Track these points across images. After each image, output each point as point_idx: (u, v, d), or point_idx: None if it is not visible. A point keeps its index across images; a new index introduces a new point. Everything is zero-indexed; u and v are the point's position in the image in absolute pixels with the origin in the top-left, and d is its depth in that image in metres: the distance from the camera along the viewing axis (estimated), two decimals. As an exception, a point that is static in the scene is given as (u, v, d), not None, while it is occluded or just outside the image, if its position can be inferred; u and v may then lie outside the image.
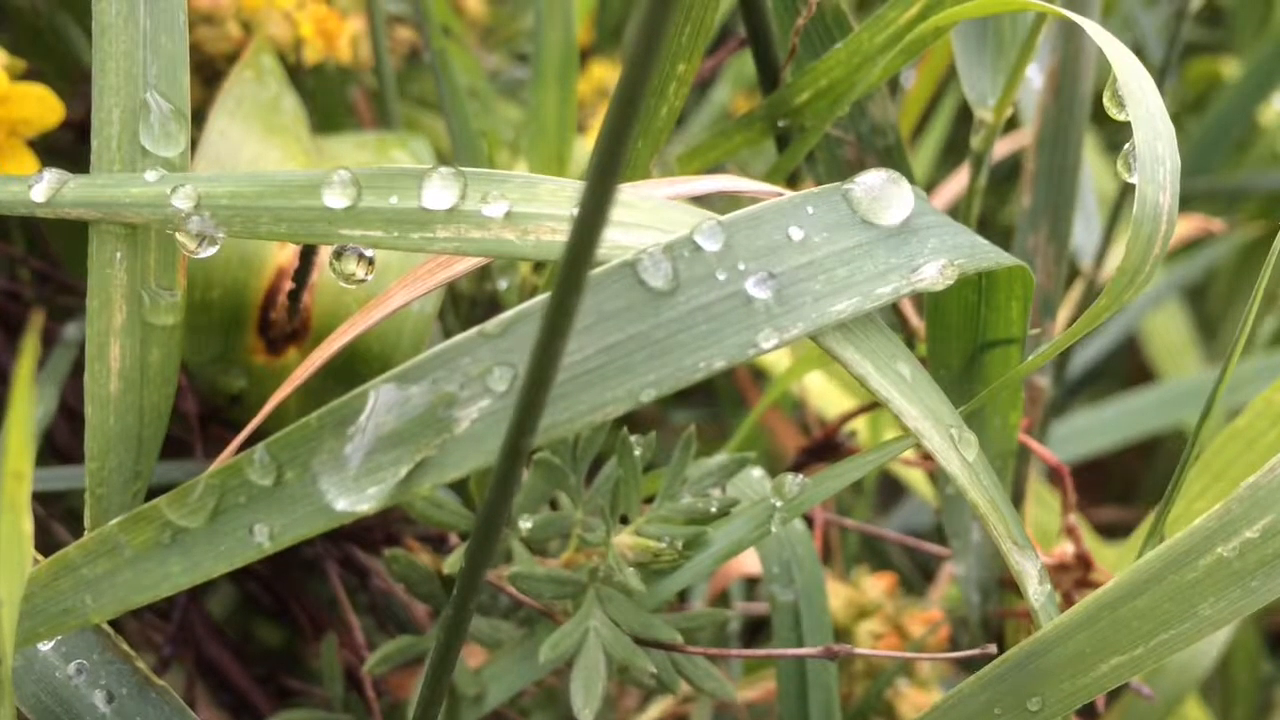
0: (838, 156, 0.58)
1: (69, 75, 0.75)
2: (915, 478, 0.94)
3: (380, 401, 0.36)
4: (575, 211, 0.36)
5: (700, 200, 0.47)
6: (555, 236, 0.39)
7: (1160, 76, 0.78)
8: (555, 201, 0.39)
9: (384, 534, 0.72)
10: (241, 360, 0.61)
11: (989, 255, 0.42)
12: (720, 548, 0.51)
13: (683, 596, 0.76)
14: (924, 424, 0.39)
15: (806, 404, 0.97)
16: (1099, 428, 1.13)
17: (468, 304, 0.80)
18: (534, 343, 0.31)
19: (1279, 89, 1.23)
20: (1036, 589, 0.42)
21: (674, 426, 1.07)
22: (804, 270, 0.38)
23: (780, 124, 0.53)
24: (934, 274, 0.39)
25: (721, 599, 0.85)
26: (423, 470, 0.36)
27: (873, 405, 0.70)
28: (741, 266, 0.37)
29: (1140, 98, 0.39)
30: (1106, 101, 0.40)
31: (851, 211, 0.39)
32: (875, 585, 0.74)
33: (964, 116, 1.09)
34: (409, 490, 0.36)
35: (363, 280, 0.43)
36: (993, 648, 0.49)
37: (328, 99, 0.80)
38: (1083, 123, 0.62)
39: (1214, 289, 1.40)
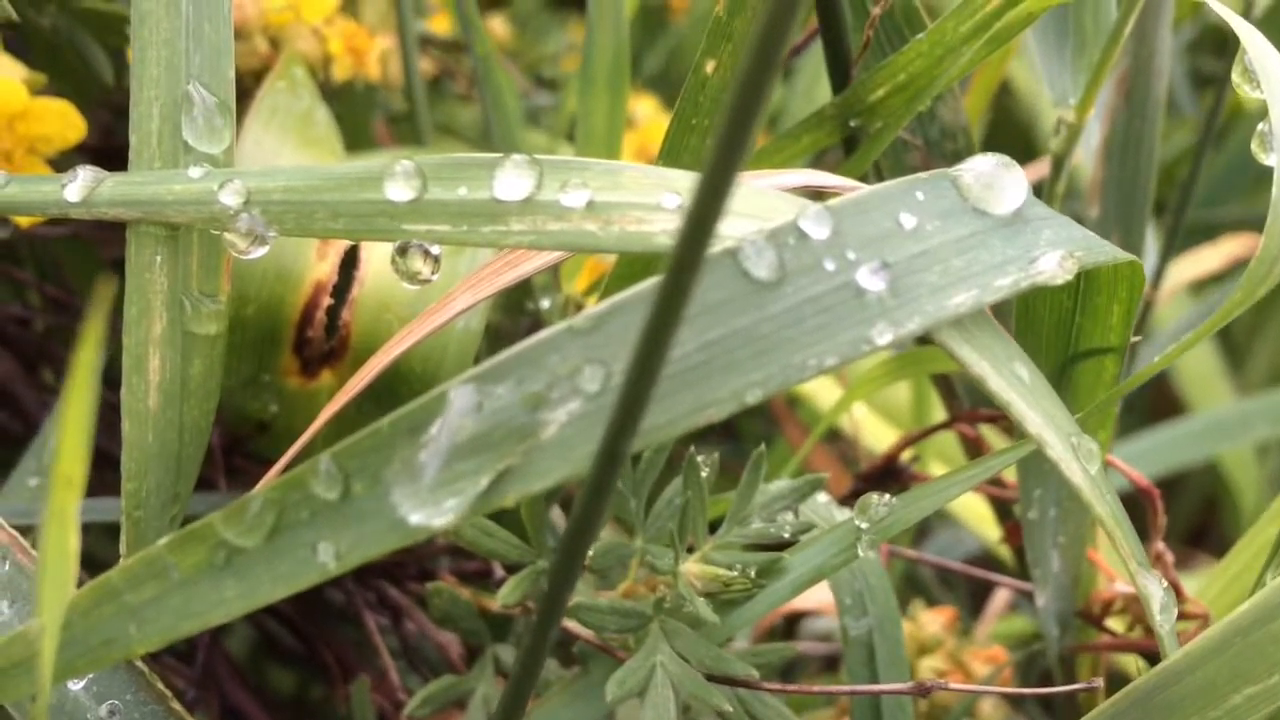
0: (904, 162, 0.55)
1: (89, 97, 0.72)
2: (960, 505, 0.90)
3: (458, 404, 0.32)
4: (683, 198, 0.33)
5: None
6: (642, 227, 0.36)
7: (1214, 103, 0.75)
8: (641, 190, 0.36)
9: (418, 569, 0.68)
10: (274, 383, 0.58)
11: (1105, 250, 0.39)
12: (799, 575, 0.47)
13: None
14: (1046, 431, 0.36)
15: (844, 435, 0.93)
16: (1129, 461, 1.10)
17: (491, 335, 0.77)
18: (640, 333, 0.28)
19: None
20: (1161, 615, 0.39)
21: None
22: (919, 260, 0.34)
23: (852, 124, 0.50)
24: (1053, 266, 0.36)
25: (765, 639, 0.81)
26: (506, 480, 0.32)
27: (931, 431, 0.67)
28: (851, 256, 0.34)
29: (1275, 74, 0.36)
30: (1236, 78, 0.37)
31: (961, 199, 0.36)
32: (935, 620, 0.71)
33: (993, 135, 1.06)
34: (490, 502, 0.32)
35: (428, 280, 0.40)
36: (1099, 682, 0.45)
37: (352, 123, 0.77)
38: (1156, 127, 0.59)
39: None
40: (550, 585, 0.34)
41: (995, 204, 0.36)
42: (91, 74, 0.72)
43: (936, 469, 0.86)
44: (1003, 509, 0.71)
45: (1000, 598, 0.92)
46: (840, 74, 0.50)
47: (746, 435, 1.07)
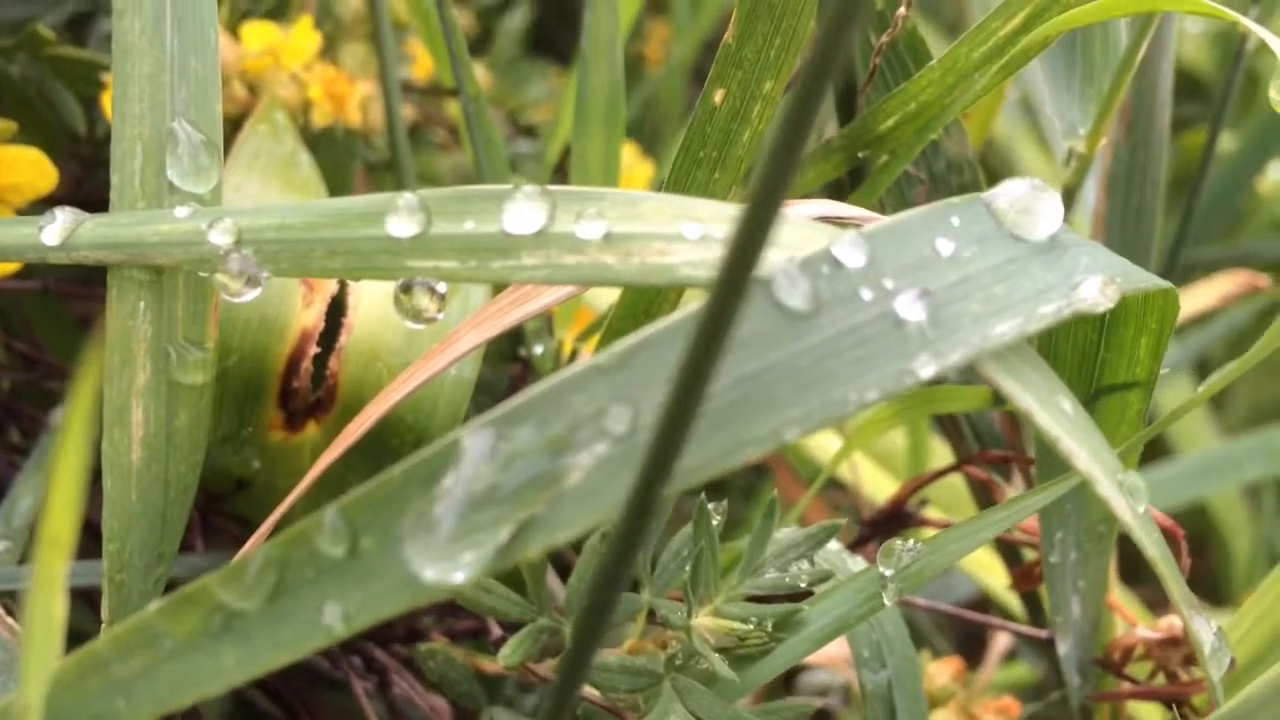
0: (907, 197, 0.54)
1: (59, 149, 0.70)
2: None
3: (474, 451, 0.30)
4: (729, 228, 0.31)
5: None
6: (664, 259, 0.34)
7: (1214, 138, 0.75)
8: (661, 220, 0.34)
9: (406, 629, 0.65)
10: (256, 437, 0.55)
11: (1143, 277, 0.37)
12: (819, 627, 0.45)
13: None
14: (1094, 467, 0.34)
15: (837, 484, 0.91)
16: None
17: (476, 388, 0.74)
18: (678, 368, 0.26)
19: (1275, 159, 1.23)
20: (1212, 659, 0.37)
21: (684, 514, 1.00)
22: (959, 288, 0.33)
23: (860, 155, 0.48)
24: (1094, 293, 0.34)
25: (764, 696, 0.78)
26: (528, 531, 0.30)
27: (940, 475, 0.65)
28: (889, 284, 0.32)
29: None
30: (1273, 93, 0.36)
31: (997, 224, 0.35)
32: (944, 671, 0.68)
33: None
34: (512, 556, 0.30)
35: (434, 319, 0.38)
36: (1140, 730, 0.43)
37: (332, 172, 0.75)
38: (1161, 160, 0.58)
39: (1216, 359, 1.37)
40: (574, 642, 0.31)
41: (1032, 229, 0.35)
42: (62, 125, 0.70)
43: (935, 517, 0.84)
44: (1010, 554, 0.69)
45: (997, 647, 0.90)
46: (847, 105, 0.49)
47: (733, 486, 1.05)
